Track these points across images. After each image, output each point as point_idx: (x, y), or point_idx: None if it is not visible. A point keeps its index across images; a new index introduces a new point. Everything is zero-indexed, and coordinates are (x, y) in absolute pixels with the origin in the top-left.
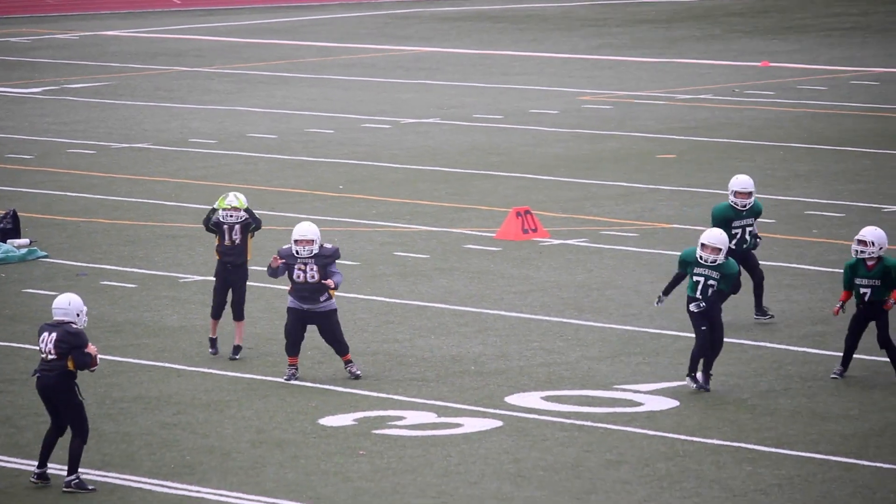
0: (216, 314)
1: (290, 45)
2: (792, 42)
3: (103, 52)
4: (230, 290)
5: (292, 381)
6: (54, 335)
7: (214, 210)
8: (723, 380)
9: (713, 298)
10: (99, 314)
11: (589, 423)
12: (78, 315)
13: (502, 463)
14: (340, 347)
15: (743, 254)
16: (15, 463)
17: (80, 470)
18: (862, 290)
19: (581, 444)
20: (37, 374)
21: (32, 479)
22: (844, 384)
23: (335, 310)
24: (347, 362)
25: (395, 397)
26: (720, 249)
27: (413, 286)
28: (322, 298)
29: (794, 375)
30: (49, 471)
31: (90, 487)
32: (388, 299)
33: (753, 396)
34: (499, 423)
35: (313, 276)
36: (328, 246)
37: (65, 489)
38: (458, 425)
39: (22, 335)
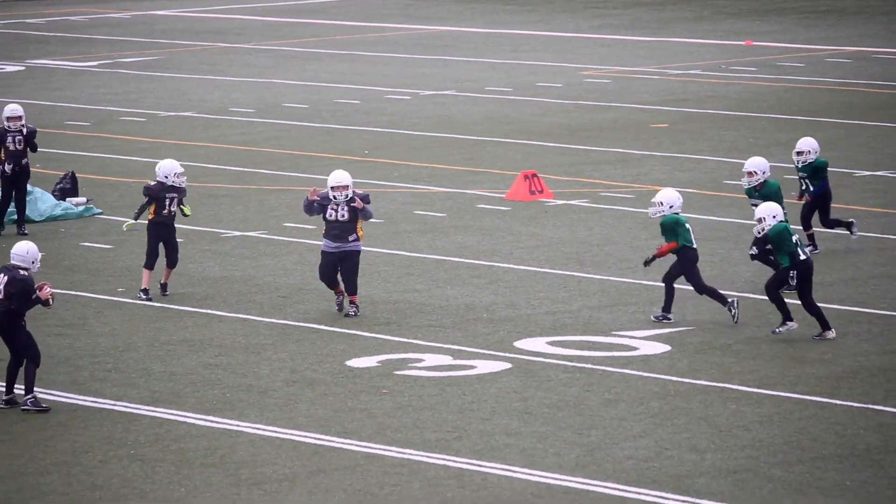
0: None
1: (321, 24)
2: (773, 23)
3: (153, 30)
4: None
5: (339, 309)
6: (5, 278)
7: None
8: (710, 327)
9: None
10: None
11: (589, 366)
12: (33, 263)
13: (511, 401)
14: (351, 286)
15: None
16: (73, 398)
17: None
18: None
19: (582, 384)
20: None
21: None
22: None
23: (359, 251)
24: (352, 302)
25: (415, 342)
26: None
27: (431, 242)
28: (350, 238)
29: (775, 323)
30: (64, 399)
31: (44, 406)
32: (408, 253)
33: (738, 342)
34: (508, 366)
35: (344, 216)
36: (360, 191)
37: (22, 408)
38: (471, 367)
39: (80, 284)
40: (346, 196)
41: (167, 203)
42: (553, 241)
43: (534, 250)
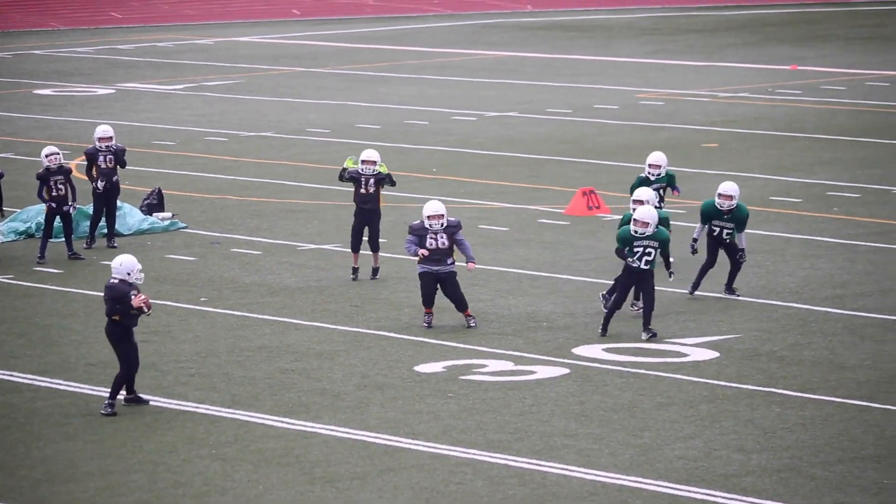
0: (355, 248)
1: (392, 50)
2: (817, 49)
3: (235, 55)
4: (366, 229)
5: (428, 328)
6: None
7: (345, 169)
8: (757, 335)
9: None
10: (231, 276)
11: (642, 371)
12: (128, 273)
13: (569, 404)
14: (461, 304)
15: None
16: (158, 401)
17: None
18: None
19: (635, 388)
20: None
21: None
22: (860, 338)
23: (456, 272)
24: (467, 316)
25: (479, 348)
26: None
27: (495, 254)
28: (448, 261)
29: (817, 331)
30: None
31: (112, 411)
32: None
33: (782, 349)
34: (566, 371)
35: (444, 244)
36: (452, 219)
37: (101, 412)
38: (531, 372)
39: (165, 294)
40: (443, 224)
41: (363, 184)
42: (609, 254)
43: (591, 262)
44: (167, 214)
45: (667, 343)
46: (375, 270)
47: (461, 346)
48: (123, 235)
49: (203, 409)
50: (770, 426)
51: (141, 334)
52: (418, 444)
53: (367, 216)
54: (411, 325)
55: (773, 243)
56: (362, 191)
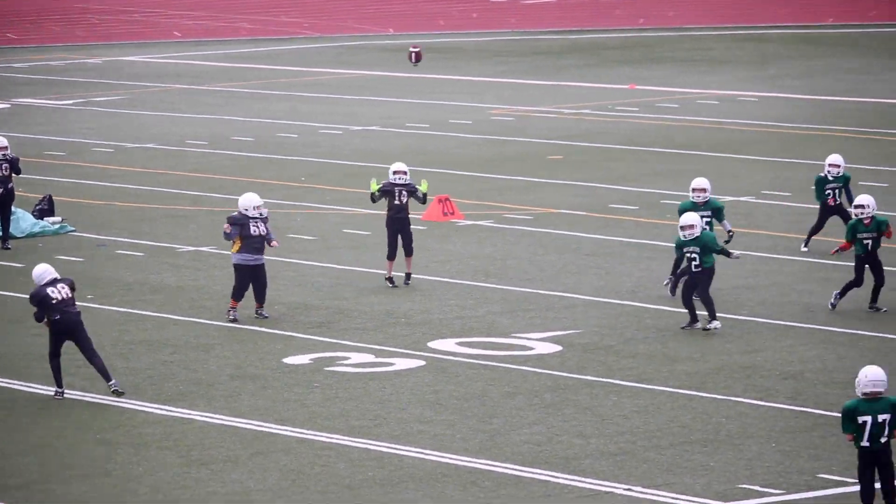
0: (391, 257)
1: (266, 69)
2: (653, 70)
3: (121, 74)
4: (399, 237)
5: (234, 321)
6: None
7: (372, 193)
8: (595, 330)
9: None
10: (115, 276)
11: (492, 363)
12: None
13: (424, 393)
14: (263, 295)
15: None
16: (48, 390)
17: (87, 394)
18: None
19: (485, 379)
20: (58, 317)
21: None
22: (689, 334)
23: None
24: (259, 308)
25: (342, 342)
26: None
27: (358, 256)
28: (262, 252)
29: (651, 327)
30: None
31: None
32: (338, 266)
33: (619, 343)
34: (422, 363)
35: (264, 231)
36: (265, 210)
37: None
38: (390, 364)
39: None
40: (262, 214)
41: (397, 195)
42: (462, 256)
43: (446, 264)
44: (57, 219)
45: (514, 337)
46: (408, 276)
47: (326, 340)
48: (17, 238)
49: (89, 397)
50: (607, 413)
51: (33, 328)
52: (286, 430)
53: (399, 224)
54: (281, 320)
55: (612, 247)
56: (396, 202)
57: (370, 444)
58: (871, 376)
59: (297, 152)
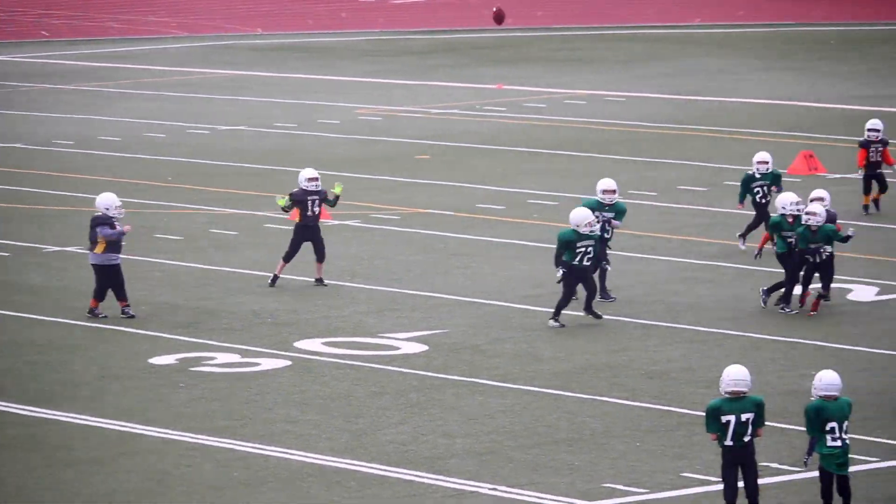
0: (288, 259)
1: (133, 69)
2: (521, 70)
3: None
4: (311, 244)
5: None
6: None
7: (283, 208)
8: (462, 330)
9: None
10: None
11: (358, 363)
12: (107, 209)
13: (291, 393)
14: (123, 293)
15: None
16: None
17: None
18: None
19: (351, 379)
20: None
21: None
22: (555, 333)
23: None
24: (126, 307)
25: (209, 342)
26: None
27: (225, 256)
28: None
29: (517, 326)
30: None
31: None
32: (205, 266)
33: (485, 343)
34: (288, 363)
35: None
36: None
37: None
38: (256, 364)
39: None
40: (122, 213)
41: (309, 205)
42: (330, 256)
43: (312, 263)
44: None
45: (380, 337)
46: (320, 280)
47: (192, 340)
48: None
49: None
50: (473, 413)
51: None
52: (151, 430)
53: (311, 233)
54: (148, 320)
55: (478, 246)
56: (309, 213)
57: (236, 445)
58: (734, 375)
59: (164, 152)
